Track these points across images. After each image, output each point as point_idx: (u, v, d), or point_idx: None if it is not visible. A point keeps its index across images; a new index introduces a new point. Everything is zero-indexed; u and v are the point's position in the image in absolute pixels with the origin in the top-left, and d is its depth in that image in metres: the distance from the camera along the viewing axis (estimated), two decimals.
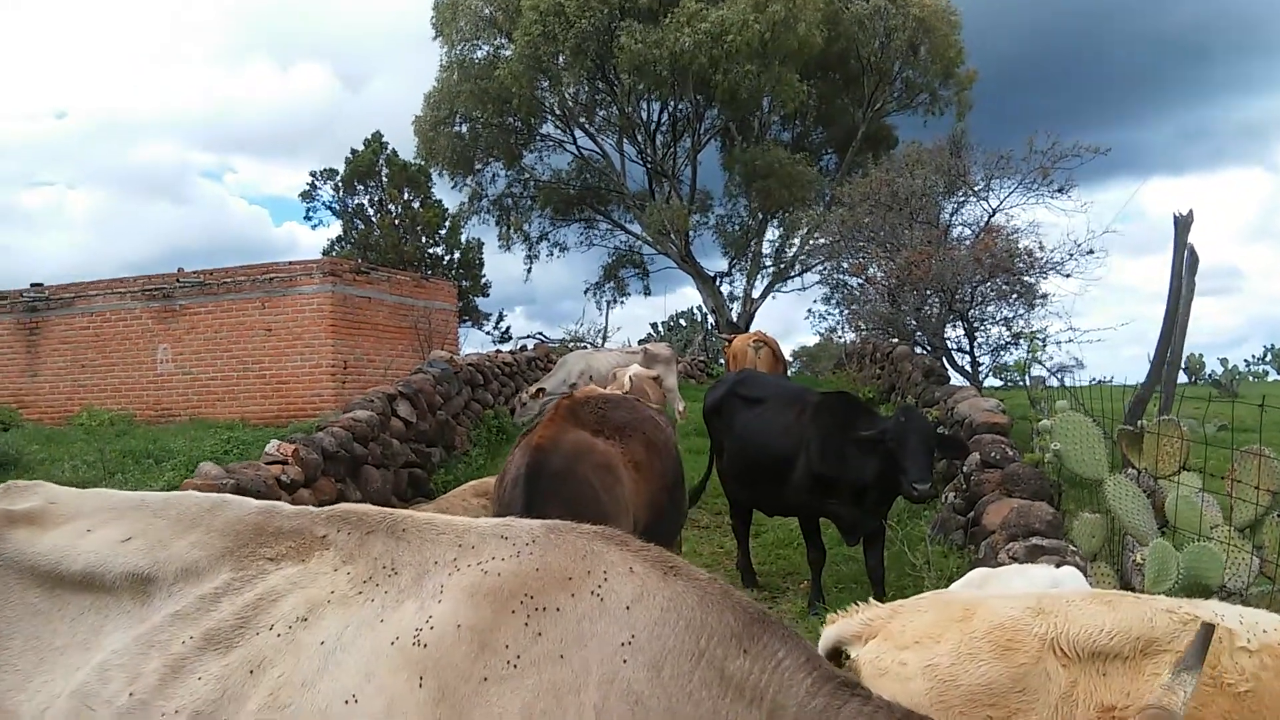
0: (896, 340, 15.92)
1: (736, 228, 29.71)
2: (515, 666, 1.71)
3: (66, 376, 16.02)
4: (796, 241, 28.53)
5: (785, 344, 19.54)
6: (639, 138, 28.99)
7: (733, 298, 30.05)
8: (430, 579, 1.88)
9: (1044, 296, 13.92)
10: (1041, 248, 14.20)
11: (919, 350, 15.15)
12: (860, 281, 16.82)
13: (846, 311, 18.13)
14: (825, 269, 20.28)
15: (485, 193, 30.09)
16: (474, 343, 31.11)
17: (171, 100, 70.44)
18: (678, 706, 1.70)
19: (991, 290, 13.80)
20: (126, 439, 12.00)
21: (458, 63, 27.21)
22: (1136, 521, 5.32)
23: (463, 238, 31.27)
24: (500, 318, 32.89)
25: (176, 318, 15.39)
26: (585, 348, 20.05)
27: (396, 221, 29.67)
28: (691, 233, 28.98)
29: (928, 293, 14.16)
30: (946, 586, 4.24)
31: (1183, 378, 9.49)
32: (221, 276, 15.29)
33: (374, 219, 30.10)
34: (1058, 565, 4.67)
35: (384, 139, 30.14)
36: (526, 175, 30.10)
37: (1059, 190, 15.16)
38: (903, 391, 14.50)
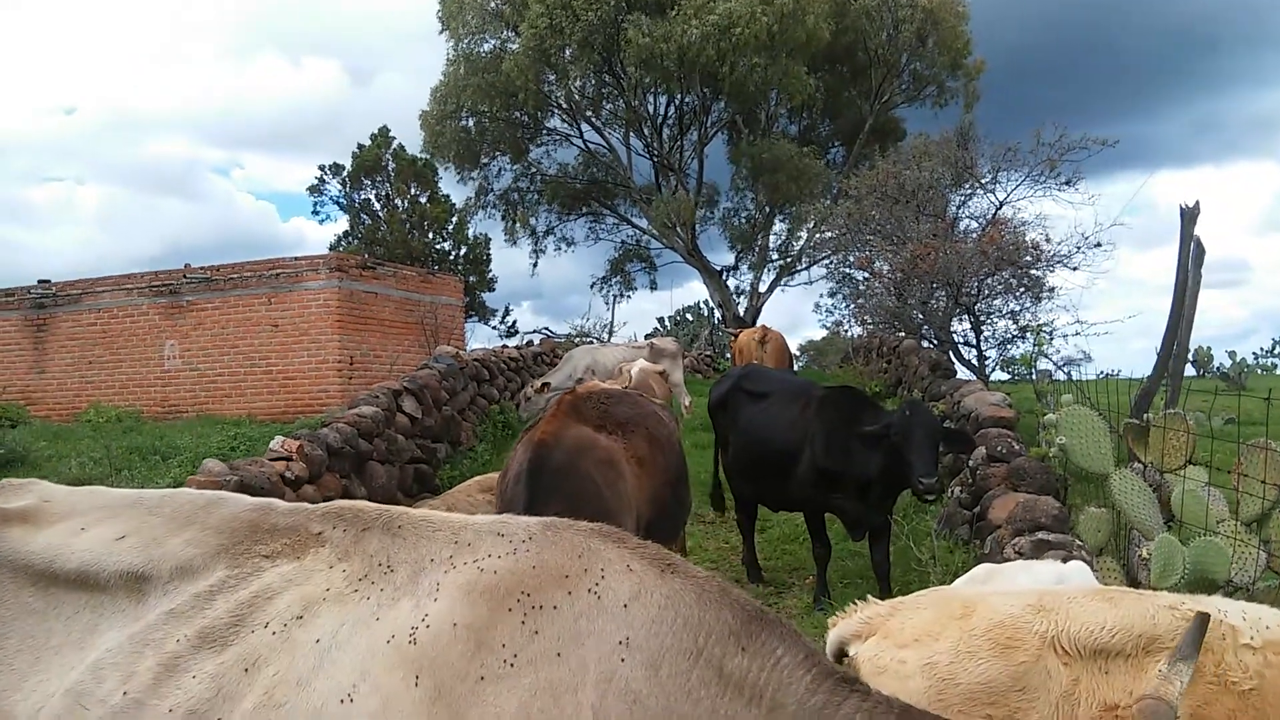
0: (903, 334, 15.87)
1: (743, 221, 29.66)
2: (512, 665, 1.71)
3: (74, 373, 16.08)
4: (803, 235, 28.48)
5: (792, 338, 19.57)
6: (645, 131, 28.94)
7: (739, 292, 30.04)
8: (426, 576, 1.87)
9: (1051, 290, 13.85)
10: (1049, 240, 14.13)
11: (925, 344, 15.10)
12: (866, 275, 16.75)
13: (853, 306, 18.06)
14: (832, 263, 20.22)
15: (491, 187, 30.07)
16: (480, 338, 31.13)
17: (181, 96, 70.68)
18: (676, 705, 1.70)
19: (998, 283, 13.72)
20: (133, 435, 12.04)
21: (464, 56, 27.17)
22: (1142, 516, 5.31)
23: (469, 232, 31.31)
24: (506, 313, 33.00)
25: (183, 314, 15.43)
26: (591, 343, 20.06)
27: (403, 216, 29.70)
28: (698, 227, 28.94)
29: (934, 286, 14.09)
30: (952, 582, 4.22)
31: (1190, 370, 9.45)
32: (228, 272, 15.33)
33: (381, 214, 30.13)
34: (1064, 560, 4.66)
35: (391, 134, 30.22)
36: (533, 169, 30.07)
37: (1066, 183, 15.07)
38: (909, 386, 14.46)
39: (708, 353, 26.39)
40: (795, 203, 27.54)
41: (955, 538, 7.84)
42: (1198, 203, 7.00)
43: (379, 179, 30.27)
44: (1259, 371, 23.49)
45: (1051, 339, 12.99)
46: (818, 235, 25.88)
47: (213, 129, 65.82)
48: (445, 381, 12.20)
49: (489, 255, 31.92)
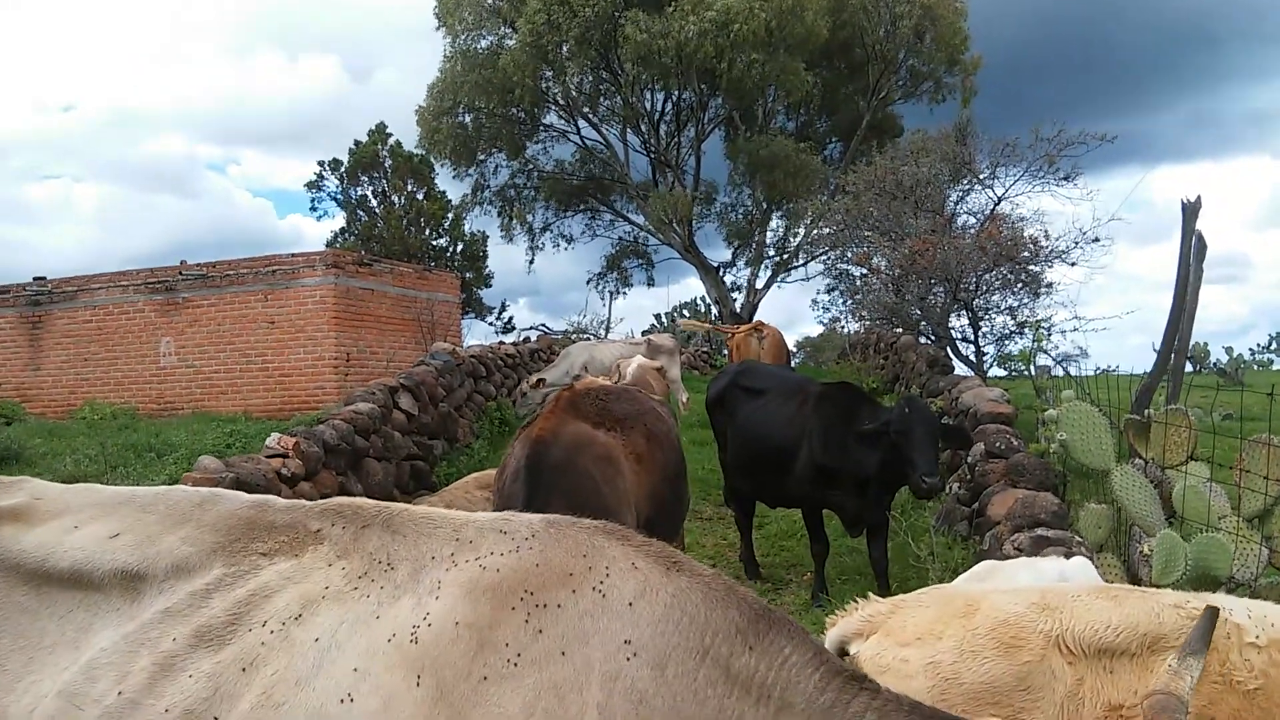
0: (900, 330, 15.88)
1: (740, 217, 29.63)
2: (515, 665, 1.68)
3: (69, 370, 16.00)
4: (800, 231, 28.47)
5: (789, 334, 19.51)
6: (643, 127, 28.89)
7: (736, 288, 30.03)
8: (427, 574, 1.84)
9: (1049, 285, 13.87)
10: (1047, 236, 14.16)
11: (923, 340, 15.10)
12: (864, 272, 16.76)
13: (850, 302, 18.07)
14: (829, 259, 20.22)
15: (488, 183, 30.01)
16: (477, 334, 31.03)
17: (178, 93, 70.41)
18: (682, 705, 1.67)
19: (996, 279, 13.73)
20: (129, 433, 11.98)
21: (461, 53, 27.09)
22: (1144, 512, 5.29)
23: (466, 229, 31.25)
24: (503, 309, 32.93)
25: (179, 310, 15.36)
26: (589, 339, 20.03)
27: (400, 213, 29.63)
28: (695, 223, 28.91)
29: (932, 282, 14.09)
30: (951, 578, 4.20)
31: (1187, 367, 9.43)
32: (224, 269, 15.26)
33: (377, 210, 30.07)
34: (1066, 556, 4.64)
35: (387, 130, 30.12)
36: (530, 166, 30.00)
37: (1065, 178, 15.11)
38: (907, 382, 14.45)
39: (704, 349, 26.37)
40: (792, 199, 27.50)
41: (954, 534, 7.83)
42: (1199, 197, 6.99)
43: (376, 175, 30.20)
44: (1255, 367, 23.54)
45: (1050, 334, 13.00)
46: (815, 231, 25.88)
47: (210, 126, 65.66)
48: (442, 378, 12.17)
49: (485, 252, 31.89)
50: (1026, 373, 12.93)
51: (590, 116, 28.75)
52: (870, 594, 3.17)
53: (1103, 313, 26.70)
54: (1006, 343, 14.30)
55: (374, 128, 30.13)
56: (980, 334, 14.36)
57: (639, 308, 61.30)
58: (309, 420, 9.75)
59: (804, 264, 29.00)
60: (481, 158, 29.15)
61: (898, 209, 15.60)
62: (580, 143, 29.68)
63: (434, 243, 30.40)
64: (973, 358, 14.26)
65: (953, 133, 17.08)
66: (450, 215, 30.66)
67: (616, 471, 4.96)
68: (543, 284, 60.33)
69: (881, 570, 6.98)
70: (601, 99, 28.76)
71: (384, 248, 26.81)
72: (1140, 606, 2.72)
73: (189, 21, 71.29)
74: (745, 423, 7.78)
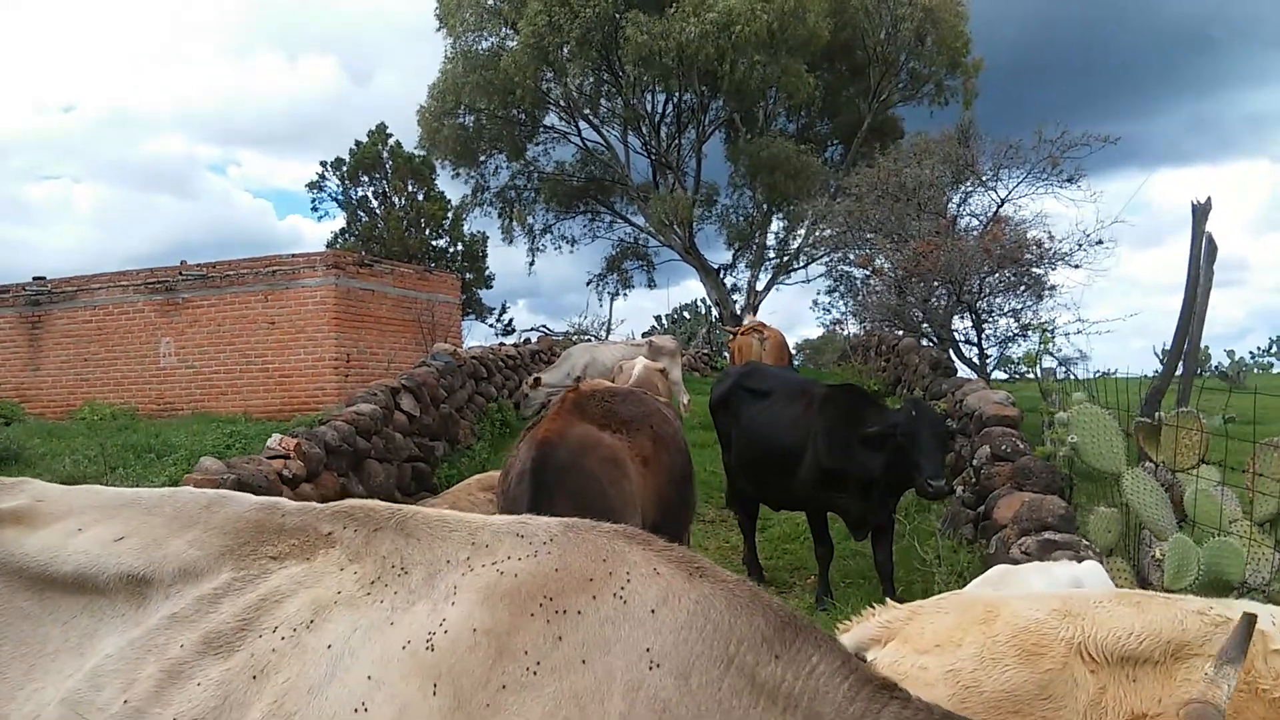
0: (902, 332, 15.83)
1: (741, 219, 29.60)
2: (535, 673, 1.62)
3: (69, 370, 15.95)
4: (801, 233, 28.44)
5: (789, 337, 19.45)
6: (643, 129, 28.87)
7: (736, 289, 29.99)
8: (443, 579, 1.78)
9: (1052, 288, 13.83)
10: (1051, 238, 14.11)
11: (925, 342, 15.05)
12: (866, 274, 16.71)
13: (851, 304, 18.03)
14: (830, 261, 20.17)
15: (489, 185, 30.00)
16: (478, 336, 31.02)
17: (178, 94, 70.48)
18: (707, 715, 1.61)
19: (1000, 281, 13.68)
20: (128, 433, 11.93)
21: (462, 54, 27.07)
22: (1155, 516, 5.24)
23: (466, 230, 31.22)
24: (503, 310, 32.90)
25: (179, 311, 15.31)
26: (589, 340, 19.99)
27: (401, 214, 29.59)
28: (695, 224, 28.89)
29: (935, 284, 14.05)
30: (958, 581, 4.16)
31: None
32: (224, 269, 15.21)
33: (378, 211, 30.03)
34: (1075, 560, 4.59)
35: (388, 131, 30.10)
36: (530, 167, 29.97)
37: (1068, 180, 15.06)
38: (909, 384, 14.42)
39: (705, 351, 26.34)
40: (793, 201, 27.48)
41: (959, 537, 7.78)
42: (1209, 199, 6.95)
43: (376, 176, 30.16)
44: (1256, 370, 23.54)
45: (1054, 337, 12.97)
46: (815, 233, 25.85)
47: (210, 126, 65.71)
48: (443, 379, 12.13)
49: (486, 253, 31.88)
50: (1030, 375, 12.90)
51: (591, 118, 28.74)
52: (888, 600, 3.11)
53: (1102, 316, 26.68)
54: (1010, 345, 14.27)
55: (374, 128, 30.14)
56: (983, 336, 14.32)
57: (639, 309, 61.51)
58: (310, 421, 9.71)
59: (804, 266, 29.04)
60: (482, 159, 29.15)
61: (900, 211, 15.55)
62: (581, 144, 29.69)
63: (434, 244, 30.38)
64: (975, 360, 14.22)
65: (955, 134, 17.04)
66: (451, 216, 30.64)
67: (622, 474, 4.91)
68: (543, 285, 60.46)
69: (886, 574, 6.93)
70: (602, 100, 28.74)
71: (384, 248, 26.77)
72: (1163, 613, 2.67)
73: (189, 22, 71.38)
74: (749, 424, 7.73)
